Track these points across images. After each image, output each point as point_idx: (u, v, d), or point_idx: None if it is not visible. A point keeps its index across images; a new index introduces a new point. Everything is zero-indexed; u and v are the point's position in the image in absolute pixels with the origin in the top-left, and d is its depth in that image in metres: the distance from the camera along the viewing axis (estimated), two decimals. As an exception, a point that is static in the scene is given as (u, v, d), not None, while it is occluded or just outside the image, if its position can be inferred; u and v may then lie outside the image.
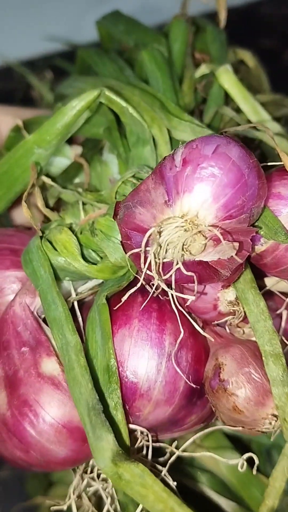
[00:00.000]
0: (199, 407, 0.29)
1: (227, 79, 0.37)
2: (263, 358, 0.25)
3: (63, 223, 0.32)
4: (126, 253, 0.25)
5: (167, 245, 0.23)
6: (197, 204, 0.23)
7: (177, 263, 0.23)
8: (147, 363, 0.27)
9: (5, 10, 0.73)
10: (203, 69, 0.39)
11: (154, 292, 0.25)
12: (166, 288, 0.24)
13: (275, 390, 0.25)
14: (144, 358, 0.27)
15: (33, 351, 0.27)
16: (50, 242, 0.30)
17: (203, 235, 0.23)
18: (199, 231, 0.23)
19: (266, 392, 0.26)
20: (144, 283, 0.25)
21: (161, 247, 0.23)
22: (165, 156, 0.24)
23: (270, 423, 0.26)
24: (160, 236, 0.23)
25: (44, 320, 0.29)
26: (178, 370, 0.27)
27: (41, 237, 0.30)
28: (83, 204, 0.33)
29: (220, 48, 0.42)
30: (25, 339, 0.28)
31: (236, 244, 0.23)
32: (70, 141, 0.36)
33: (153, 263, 0.23)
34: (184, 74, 0.38)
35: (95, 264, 0.29)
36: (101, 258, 0.30)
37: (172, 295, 0.25)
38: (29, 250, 0.30)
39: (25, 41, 0.65)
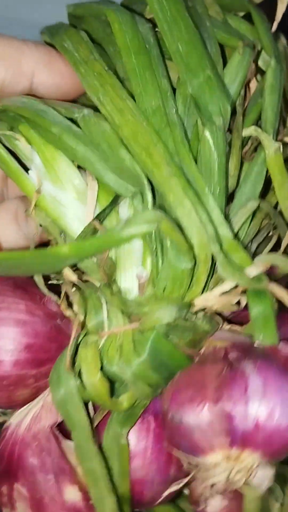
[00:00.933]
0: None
1: (276, 163, 0.34)
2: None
3: (89, 333, 0.31)
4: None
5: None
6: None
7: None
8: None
9: None
10: (252, 131, 0.34)
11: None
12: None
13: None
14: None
15: (57, 478, 0.30)
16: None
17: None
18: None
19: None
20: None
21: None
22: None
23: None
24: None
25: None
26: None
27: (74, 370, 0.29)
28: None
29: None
30: (49, 466, 0.30)
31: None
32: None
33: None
34: (233, 142, 0.33)
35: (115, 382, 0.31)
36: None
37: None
38: (60, 382, 0.29)
39: None
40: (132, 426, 0.31)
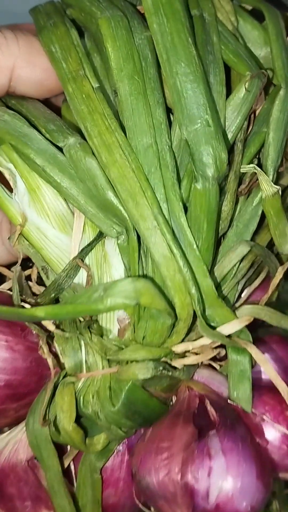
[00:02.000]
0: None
1: (273, 206, 0.32)
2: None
3: (66, 375, 0.31)
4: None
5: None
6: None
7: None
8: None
9: None
10: (251, 169, 0.31)
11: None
12: None
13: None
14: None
15: (34, 504, 0.32)
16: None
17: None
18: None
19: None
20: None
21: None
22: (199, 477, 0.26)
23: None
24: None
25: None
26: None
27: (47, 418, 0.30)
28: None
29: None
30: (27, 495, 0.32)
31: None
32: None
33: None
34: (228, 184, 0.31)
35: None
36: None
37: None
38: (35, 429, 0.30)
39: None
40: (107, 461, 0.32)
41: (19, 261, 0.34)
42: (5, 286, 0.37)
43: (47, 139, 0.31)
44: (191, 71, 0.28)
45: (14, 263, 0.34)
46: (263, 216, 0.33)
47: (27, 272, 0.36)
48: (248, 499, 0.26)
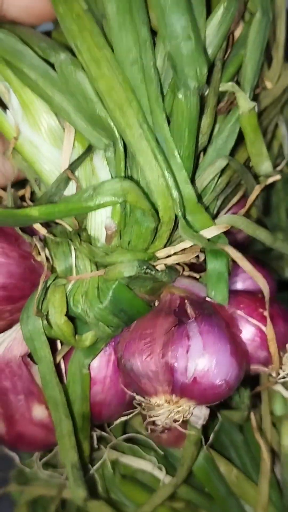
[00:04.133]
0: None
1: (249, 121, 0.34)
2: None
3: (58, 277, 0.34)
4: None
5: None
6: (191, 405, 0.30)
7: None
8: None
9: None
10: (229, 88, 0.34)
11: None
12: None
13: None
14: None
15: (27, 398, 0.35)
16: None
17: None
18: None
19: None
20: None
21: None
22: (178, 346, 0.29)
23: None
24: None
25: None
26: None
27: (40, 310, 0.33)
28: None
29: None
30: (20, 389, 0.35)
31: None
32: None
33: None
34: (208, 100, 0.33)
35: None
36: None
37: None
38: (29, 322, 0.33)
39: None
40: (94, 358, 0.35)
41: (12, 180, 0.36)
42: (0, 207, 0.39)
43: (39, 56, 0.33)
44: (173, -12, 0.31)
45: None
46: (242, 142, 0.36)
47: (20, 192, 0.38)
48: (223, 374, 0.29)
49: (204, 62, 0.31)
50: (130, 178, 0.32)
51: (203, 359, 0.29)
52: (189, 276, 0.37)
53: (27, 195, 0.38)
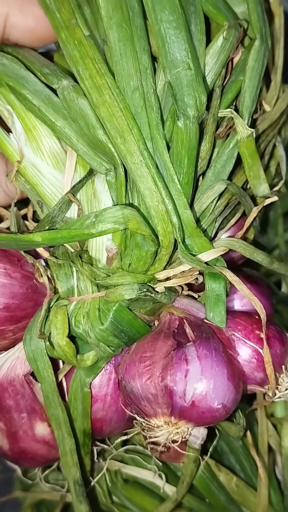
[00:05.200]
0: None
1: (247, 147, 0.35)
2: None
3: (60, 299, 0.35)
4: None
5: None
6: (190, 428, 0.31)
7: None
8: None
9: None
10: (228, 113, 0.35)
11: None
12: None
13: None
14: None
15: (30, 416, 0.36)
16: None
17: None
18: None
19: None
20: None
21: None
22: (176, 372, 0.30)
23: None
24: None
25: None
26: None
27: (43, 330, 0.33)
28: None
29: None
30: (23, 407, 0.35)
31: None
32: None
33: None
34: (207, 126, 0.34)
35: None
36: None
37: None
38: (32, 343, 0.34)
39: None
40: (95, 377, 0.36)
41: (15, 200, 0.37)
42: (3, 226, 0.40)
43: (42, 81, 0.34)
44: (174, 19, 0.31)
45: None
46: (240, 164, 0.36)
47: (23, 211, 0.39)
48: (220, 397, 0.30)
49: (204, 92, 0.32)
50: (131, 204, 0.33)
51: (201, 384, 0.30)
52: (188, 295, 0.37)
53: (29, 215, 0.38)
